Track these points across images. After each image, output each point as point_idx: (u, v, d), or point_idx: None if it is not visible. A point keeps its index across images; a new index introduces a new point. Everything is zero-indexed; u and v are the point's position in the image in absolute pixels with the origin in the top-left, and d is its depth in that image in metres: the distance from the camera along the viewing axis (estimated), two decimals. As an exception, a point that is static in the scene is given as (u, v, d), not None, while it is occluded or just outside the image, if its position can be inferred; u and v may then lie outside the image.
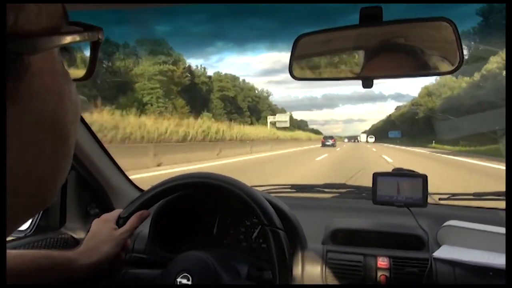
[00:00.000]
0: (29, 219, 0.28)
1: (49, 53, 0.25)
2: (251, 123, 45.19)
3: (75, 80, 0.30)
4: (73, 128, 0.28)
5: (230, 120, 32.35)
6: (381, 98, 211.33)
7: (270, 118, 47.08)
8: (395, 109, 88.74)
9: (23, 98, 0.23)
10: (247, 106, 58.37)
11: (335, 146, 33.82)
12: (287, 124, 45.53)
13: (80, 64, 0.32)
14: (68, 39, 0.26)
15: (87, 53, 0.31)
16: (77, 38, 0.27)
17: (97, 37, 0.30)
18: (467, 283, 0.84)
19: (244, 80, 64.83)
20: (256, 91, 69.36)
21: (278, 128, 42.60)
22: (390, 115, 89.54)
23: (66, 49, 0.28)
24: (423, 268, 0.86)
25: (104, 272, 0.76)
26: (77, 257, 0.72)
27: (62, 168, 0.28)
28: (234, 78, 60.38)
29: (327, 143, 35.12)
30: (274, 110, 64.82)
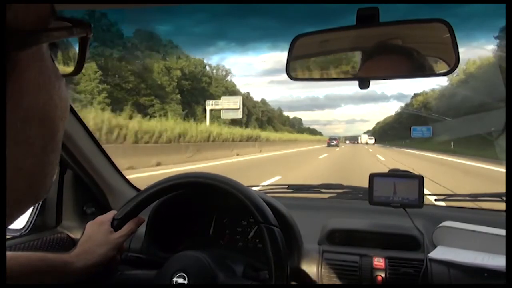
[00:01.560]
0: (22, 214, 0.28)
1: (38, 49, 0.25)
2: (189, 116, 23.15)
3: (64, 76, 0.29)
4: (61, 123, 0.28)
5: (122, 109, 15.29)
6: (383, 98, 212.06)
7: (209, 105, 28.85)
8: (412, 97, 63.95)
9: (13, 95, 0.23)
10: (175, 85, 33.26)
11: (338, 146, 38.87)
12: (239, 115, 29.34)
13: (69, 59, 0.32)
14: (55, 35, 0.26)
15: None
16: (64, 34, 0.27)
17: (85, 33, 0.29)
18: (462, 283, 0.85)
19: (171, 42, 36.35)
20: (207, 68, 40.89)
21: (225, 122, 26.36)
22: (411, 103, 63.27)
23: (55, 45, 0.28)
24: (418, 268, 0.86)
25: (99, 274, 0.76)
26: (72, 260, 0.71)
27: (51, 162, 0.29)
28: (151, 36, 33.01)
29: (332, 143, 40.59)
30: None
